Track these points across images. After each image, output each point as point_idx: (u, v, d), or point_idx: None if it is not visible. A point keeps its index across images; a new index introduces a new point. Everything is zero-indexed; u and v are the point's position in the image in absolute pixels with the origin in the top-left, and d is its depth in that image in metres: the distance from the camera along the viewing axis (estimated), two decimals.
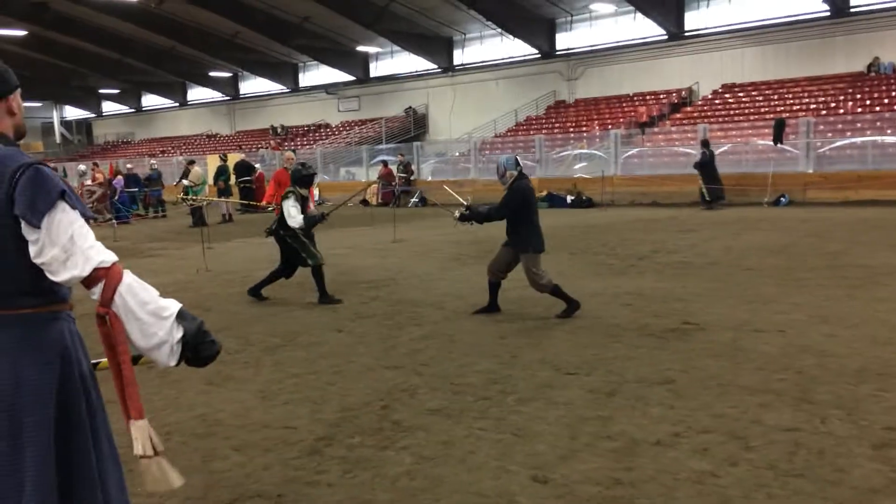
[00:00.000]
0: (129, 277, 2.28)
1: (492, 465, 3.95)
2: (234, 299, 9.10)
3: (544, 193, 22.69)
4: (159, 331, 2.28)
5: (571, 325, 7.05)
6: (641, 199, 21.85)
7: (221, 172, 22.75)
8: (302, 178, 8.91)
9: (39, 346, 2.29)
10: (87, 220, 2.31)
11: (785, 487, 3.56)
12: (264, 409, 4.99)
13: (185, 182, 21.96)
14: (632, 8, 29.21)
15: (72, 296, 2.43)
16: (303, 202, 8.78)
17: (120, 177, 24.51)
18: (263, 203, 16.27)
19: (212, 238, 14.69)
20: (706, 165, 19.27)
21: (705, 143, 19.83)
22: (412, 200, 25.66)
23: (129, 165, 27.07)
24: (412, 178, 26.90)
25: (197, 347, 2.35)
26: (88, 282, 2.24)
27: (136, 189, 24.61)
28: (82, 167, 24.62)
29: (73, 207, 2.26)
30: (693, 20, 29.44)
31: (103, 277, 2.23)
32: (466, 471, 3.90)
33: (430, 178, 28.13)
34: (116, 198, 22.88)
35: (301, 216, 8.66)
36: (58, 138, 61.39)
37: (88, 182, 22.80)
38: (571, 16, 32.26)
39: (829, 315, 7.00)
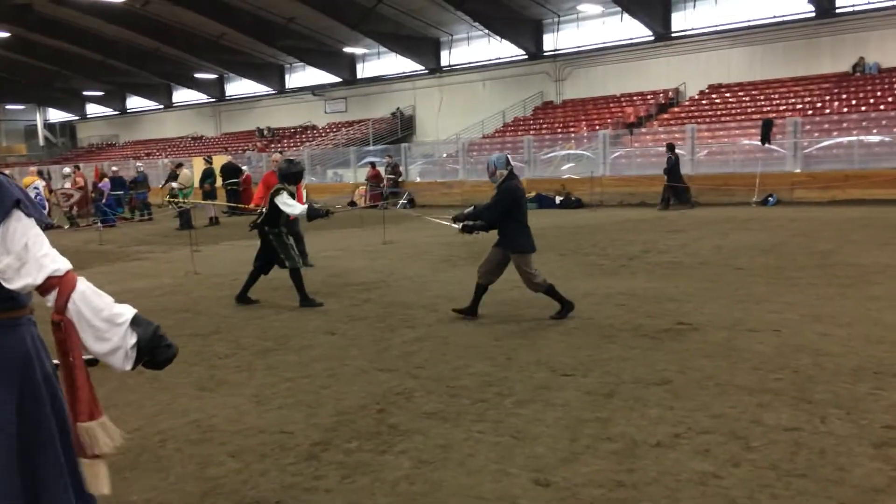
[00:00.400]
0: (82, 285, 2.31)
1: (492, 468, 3.91)
2: (223, 302, 9.02)
3: (533, 194, 22.67)
4: (113, 337, 2.33)
5: (565, 326, 7.02)
6: (630, 200, 21.89)
7: (208, 175, 22.58)
8: (290, 175, 8.81)
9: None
10: (44, 227, 2.35)
11: (788, 487, 3.54)
12: (259, 414, 4.93)
13: (173, 185, 21.77)
14: (619, 9, 29.32)
15: (32, 300, 2.46)
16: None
17: (106, 179, 24.28)
18: (252, 206, 16.16)
19: (199, 241, 14.57)
20: (672, 170, 19.78)
21: (671, 148, 20.20)
22: (400, 202, 25.59)
23: (114, 168, 26.87)
24: (400, 179, 26.82)
25: (152, 352, 2.40)
26: (42, 289, 2.28)
27: (122, 192, 24.39)
28: (67, 169, 24.40)
29: (29, 215, 2.29)
30: (679, 21, 29.57)
31: (57, 285, 2.27)
32: (466, 474, 3.85)
33: (418, 180, 28.08)
34: (103, 201, 22.67)
35: (301, 205, 8.60)
36: (41, 141, 60.87)
37: (67, 186, 22.57)
38: (558, 17, 32.32)
39: (822, 314, 7.01)
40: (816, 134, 22.02)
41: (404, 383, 5.45)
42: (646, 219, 17.07)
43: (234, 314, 8.30)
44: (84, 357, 2.35)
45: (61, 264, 2.30)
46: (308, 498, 3.68)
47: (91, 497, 2.52)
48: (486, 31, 32.97)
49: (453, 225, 7.96)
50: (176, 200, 20.15)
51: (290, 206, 8.48)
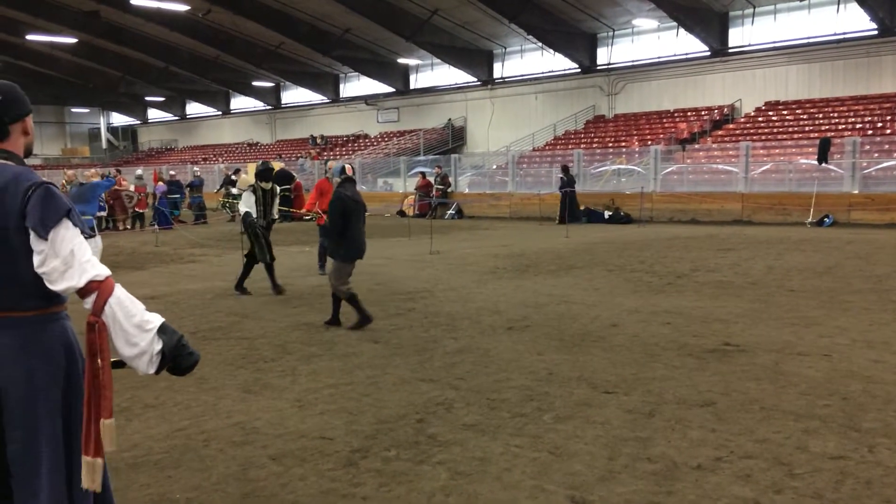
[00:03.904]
0: (119, 291, 2.50)
1: (528, 483, 3.91)
2: (270, 307, 9.17)
3: (582, 208, 22.58)
4: (141, 342, 2.49)
5: (609, 342, 6.97)
6: (680, 217, 21.61)
7: None
8: (259, 173, 10.36)
9: (46, 342, 2.54)
10: (85, 237, 2.55)
11: None
12: (301, 419, 5.01)
13: (233, 190, 22.40)
14: (675, 24, 29.02)
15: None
16: (265, 196, 10.19)
17: (160, 183, 24.95)
18: (303, 211, 16.40)
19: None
20: (567, 187, 21.72)
21: (565, 170, 22.41)
22: (449, 212, 25.70)
23: (171, 172, 27.54)
24: (449, 190, 26.94)
25: (175, 359, 2.57)
26: (83, 292, 2.46)
27: (179, 195, 25.02)
28: (139, 171, 25.43)
29: (76, 225, 2.50)
30: (737, 37, 29.13)
31: (97, 289, 2.46)
32: (502, 488, 3.86)
33: (467, 191, 28.16)
34: (156, 203, 23.32)
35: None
36: (104, 144, 62.80)
37: (132, 188, 23.27)
38: (613, 31, 32.14)
39: (875, 340, 6.82)
40: (876, 154, 21.46)
41: (445, 394, 5.48)
42: (696, 236, 16.82)
43: (280, 319, 8.44)
44: (112, 360, 2.53)
45: (101, 270, 2.48)
46: None
47: (84, 494, 2.63)
48: (540, 43, 32.96)
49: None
50: (228, 201, 20.65)
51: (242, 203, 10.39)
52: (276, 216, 10.74)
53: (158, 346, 2.52)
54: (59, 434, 2.54)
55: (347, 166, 8.21)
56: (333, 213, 7.84)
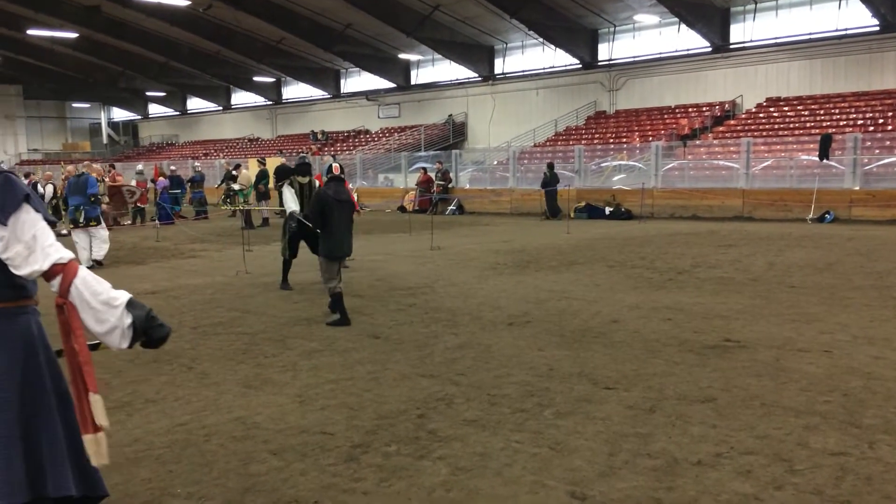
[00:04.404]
0: (83, 272, 2.57)
1: (528, 479, 3.91)
2: (271, 302, 9.18)
3: (583, 204, 22.57)
4: (111, 318, 2.57)
5: (610, 338, 6.97)
6: (681, 213, 21.60)
7: (262, 177, 23.02)
8: (297, 167, 10.54)
9: (7, 335, 2.60)
10: (49, 224, 2.62)
11: None
12: (301, 414, 5.01)
13: (234, 186, 22.39)
14: (676, 19, 28.99)
15: (37, 293, 2.73)
16: (302, 189, 10.11)
17: (161, 178, 24.95)
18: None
19: (251, 241, 14.85)
20: (549, 185, 22.44)
21: (550, 167, 23.04)
22: (449, 208, 25.70)
23: (172, 167, 27.54)
24: (450, 185, 26.92)
25: (147, 331, 2.63)
26: (48, 276, 2.54)
27: (180, 191, 25.01)
28: (140, 166, 25.43)
29: (37, 210, 2.57)
30: (738, 33, 29.09)
31: (61, 272, 2.53)
32: (503, 484, 3.86)
33: (468, 187, 28.15)
34: (158, 198, 23.33)
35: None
36: (105, 139, 62.80)
37: (133, 183, 23.29)
38: (614, 26, 32.10)
39: (875, 336, 6.82)
40: (877, 151, 21.42)
41: (445, 389, 5.48)
42: (697, 232, 16.82)
43: (282, 314, 8.44)
44: (88, 343, 2.61)
45: (64, 253, 2.56)
46: (345, 499, 3.73)
47: (92, 472, 2.74)
48: (541, 39, 32.92)
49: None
50: (230, 196, 20.68)
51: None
52: None
53: (129, 319, 2.57)
54: (13, 424, 2.57)
55: (335, 165, 8.35)
56: (313, 210, 8.07)
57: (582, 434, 4.52)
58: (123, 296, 2.61)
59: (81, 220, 12.85)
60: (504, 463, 4.12)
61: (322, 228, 7.98)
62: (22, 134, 58.42)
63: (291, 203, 9.91)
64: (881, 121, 23.87)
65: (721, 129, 28.09)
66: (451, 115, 38.47)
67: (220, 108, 52.94)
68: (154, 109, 59.83)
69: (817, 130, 23.78)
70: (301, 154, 12.21)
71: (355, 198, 13.41)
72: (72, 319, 2.53)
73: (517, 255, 13.39)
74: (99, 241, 12.98)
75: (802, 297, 8.84)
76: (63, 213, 15.24)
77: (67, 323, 2.54)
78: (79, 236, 12.90)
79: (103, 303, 2.56)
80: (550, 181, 22.59)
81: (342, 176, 8.39)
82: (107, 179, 20.62)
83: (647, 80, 32.12)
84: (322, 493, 3.79)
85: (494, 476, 3.96)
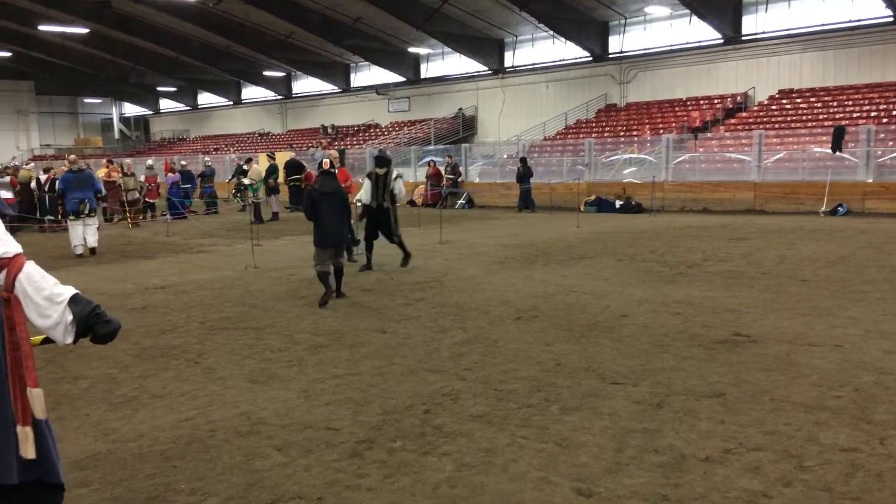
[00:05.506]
0: (29, 267, 2.60)
1: (534, 475, 3.88)
2: (279, 297, 9.17)
3: (593, 197, 22.47)
4: (53, 313, 2.60)
5: (618, 333, 6.92)
6: (692, 206, 21.47)
7: (272, 171, 23.07)
8: (376, 159, 11.39)
9: None
10: (3, 217, 2.68)
11: None
12: (307, 409, 5.00)
13: (244, 180, 22.42)
14: (687, 11, 28.71)
15: None
16: (378, 180, 10.87)
17: (170, 174, 24.99)
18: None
19: (261, 236, 14.87)
20: (523, 179, 23.29)
21: (523, 161, 23.79)
22: (459, 202, 25.64)
23: (182, 162, 27.59)
24: (460, 179, 26.85)
25: (92, 327, 2.65)
26: None
27: (190, 185, 25.06)
28: (150, 161, 25.49)
29: None
30: (750, 24, 28.78)
31: (6, 266, 2.57)
32: (508, 480, 3.83)
33: (477, 180, 28.07)
34: (167, 193, 23.38)
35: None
36: (116, 134, 63.05)
37: (142, 179, 23.30)
38: (625, 18, 31.86)
39: (888, 330, 6.74)
40: (891, 143, 21.20)
41: (451, 385, 5.45)
42: (707, 226, 16.70)
43: (289, 309, 8.43)
44: (41, 338, 2.67)
45: (12, 247, 2.59)
46: (349, 495, 3.71)
47: (46, 457, 2.72)
48: (551, 32, 32.71)
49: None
50: (240, 191, 20.68)
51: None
52: (394, 201, 11.19)
53: (70, 316, 2.60)
54: None
55: (325, 161, 9.08)
56: (304, 205, 8.95)
57: (589, 430, 4.49)
58: (68, 291, 2.64)
59: (86, 211, 13.60)
60: (510, 459, 4.09)
61: (314, 220, 8.69)
62: (34, 129, 58.75)
63: (362, 193, 10.97)
64: (895, 112, 23.60)
65: (733, 121, 27.85)
66: (460, 109, 38.34)
67: (231, 102, 52.98)
68: (165, 104, 59.97)
69: (830, 122, 23.54)
70: (338, 149, 12.94)
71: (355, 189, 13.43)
72: (15, 314, 2.57)
73: (526, 249, 13.34)
74: (93, 230, 13.82)
75: (814, 290, 8.76)
76: (59, 206, 15.54)
77: (11, 317, 2.57)
78: (74, 227, 13.67)
79: (46, 298, 2.60)
80: (524, 175, 23.42)
81: (332, 170, 9.01)
82: (102, 175, 20.76)
83: (658, 72, 31.88)
84: (326, 490, 3.77)
85: (500, 472, 3.93)
